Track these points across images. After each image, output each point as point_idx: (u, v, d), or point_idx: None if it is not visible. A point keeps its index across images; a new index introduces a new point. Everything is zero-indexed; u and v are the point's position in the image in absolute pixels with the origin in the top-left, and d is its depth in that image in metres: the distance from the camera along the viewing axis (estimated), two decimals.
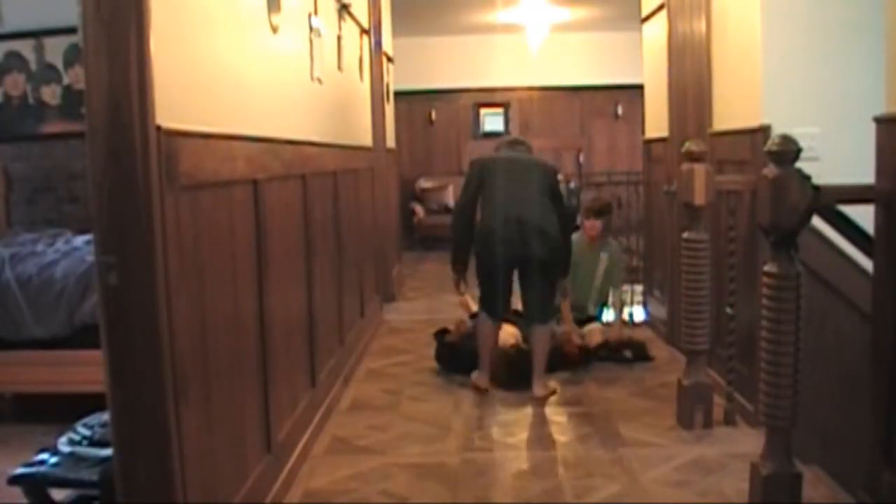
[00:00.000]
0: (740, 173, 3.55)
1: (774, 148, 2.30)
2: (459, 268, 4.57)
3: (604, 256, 4.94)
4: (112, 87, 1.84)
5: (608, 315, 5.11)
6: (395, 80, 7.88)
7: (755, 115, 3.47)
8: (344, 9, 4.73)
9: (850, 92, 3.35)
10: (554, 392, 4.12)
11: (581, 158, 10.66)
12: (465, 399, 4.10)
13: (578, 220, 5.46)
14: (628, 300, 5.83)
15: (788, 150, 2.30)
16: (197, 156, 2.15)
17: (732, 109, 3.86)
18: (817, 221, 2.69)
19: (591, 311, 5.04)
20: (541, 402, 4.02)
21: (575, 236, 4.90)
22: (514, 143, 4.65)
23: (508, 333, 4.51)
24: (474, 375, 4.24)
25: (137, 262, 1.89)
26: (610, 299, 5.05)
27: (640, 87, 6.03)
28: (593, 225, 4.89)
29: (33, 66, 5.21)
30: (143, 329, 1.90)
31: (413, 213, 10.42)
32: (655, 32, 5.37)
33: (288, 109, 3.29)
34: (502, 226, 4.03)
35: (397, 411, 3.91)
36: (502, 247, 4.05)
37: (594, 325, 4.94)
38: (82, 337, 3.85)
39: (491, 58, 10.84)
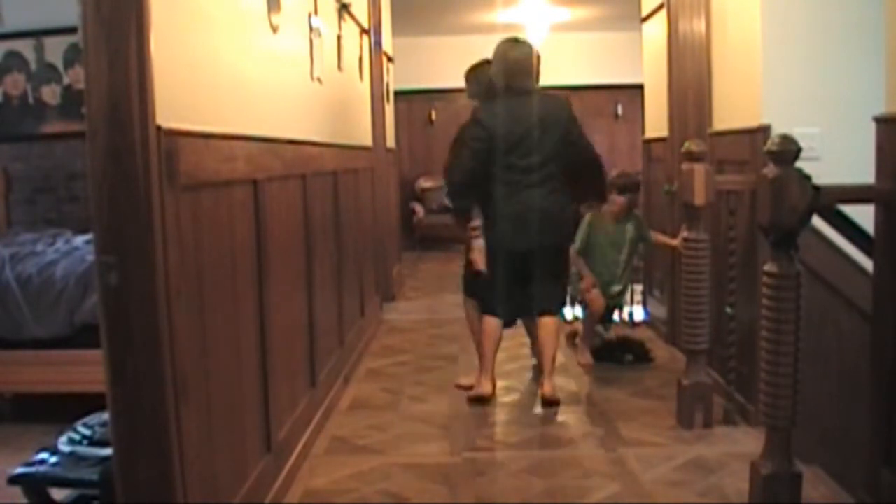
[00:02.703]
0: (740, 173, 3.55)
1: (774, 148, 2.30)
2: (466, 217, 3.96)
3: (629, 227, 4.73)
4: (112, 87, 1.84)
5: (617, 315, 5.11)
6: (395, 80, 7.89)
7: (755, 115, 3.47)
8: (344, 9, 4.73)
9: (850, 92, 3.35)
10: (558, 402, 3.90)
11: None
12: (465, 399, 4.10)
13: None
14: (628, 300, 5.83)
15: (788, 150, 2.29)
16: (197, 155, 2.15)
17: (732, 109, 3.86)
18: (817, 221, 2.69)
19: (617, 290, 4.78)
20: (549, 403, 3.85)
21: (592, 214, 4.74)
22: (515, 77, 3.77)
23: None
24: (468, 380, 4.04)
25: (137, 262, 1.89)
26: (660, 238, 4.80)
27: (640, 87, 6.03)
28: (615, 201, 4.66)
29: (33, 66, 5.22)
30: (143, 329, 1.90)
31: (413, 212, 10.42)
32: (655, 32, 5.37)
33: (288, 109, 3.30)
34: (504, 218, 3.76)
35: (397, 411, 3.91)
36: (507, 237, 3.78)
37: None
38: (82, 337, 3.85)
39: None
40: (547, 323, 3.93)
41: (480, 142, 3.75)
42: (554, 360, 3.97)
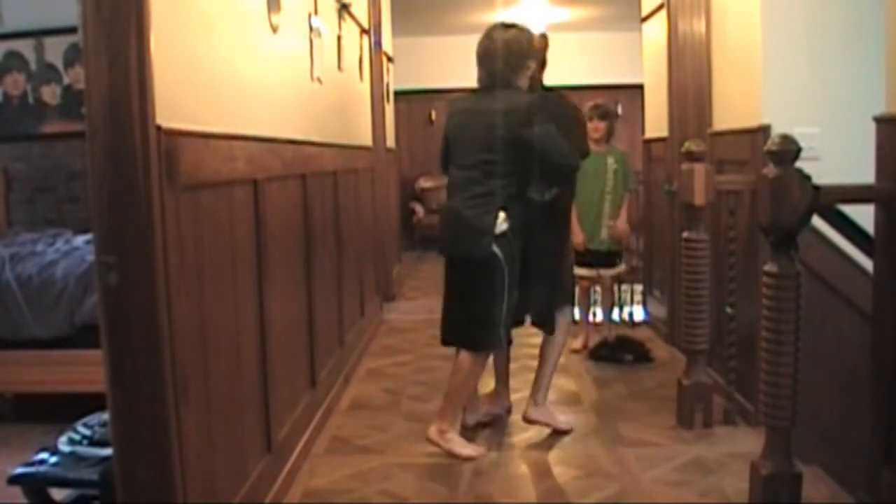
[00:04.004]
0: (740, 173, 3.55)
1: (774, 148, 2.30)
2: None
3: (610, 160, 4.76)
4: (112, 87, 1.84)
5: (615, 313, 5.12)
6: (395, 80, 7.88)
7: (755, 115, 3.47)
8: (344, 9, 4.73)
9: (850, 92, 3.35)
10: (553, 426, 3.52)
11: None
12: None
13: None
14: (628, 300, 5.83)
15: (788, 150, 2.30)
16: (197, 155, 2.15)
17: (732, 109, 3.86)
18: (817, 221, 2.69)
19: (605, 237, 4.76)
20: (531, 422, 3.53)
21: None
22: (478, 69, 3.35)
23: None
24: (458, 443, 3.30)
25: (137, 262, 1.89)
26: (623, 212, 4.80)
27: (640, 87, 6.03)
28: (597, 127, 4.69)
29: (33, 66, 5.22)
30: (143, 329, 1.90)
31: (413, 212, 10.42)
32: (655, 32, 5.37)
33: (288, 109, 3.29)
34: (443, 215, 3.43)
35: (397, 411, 3.91)
36: (442, 242, 3.38)
37: (608, 272, 4.85)
38: (82, 337, 3.85)
39: None
40: (458, 360, 3.33)
41: (443, 140, 3.46)
42: (451, 399, 3.31)
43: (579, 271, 4.84)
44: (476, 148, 3.21)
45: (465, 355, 3.29)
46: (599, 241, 4.77)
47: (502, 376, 3.78)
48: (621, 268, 5.01)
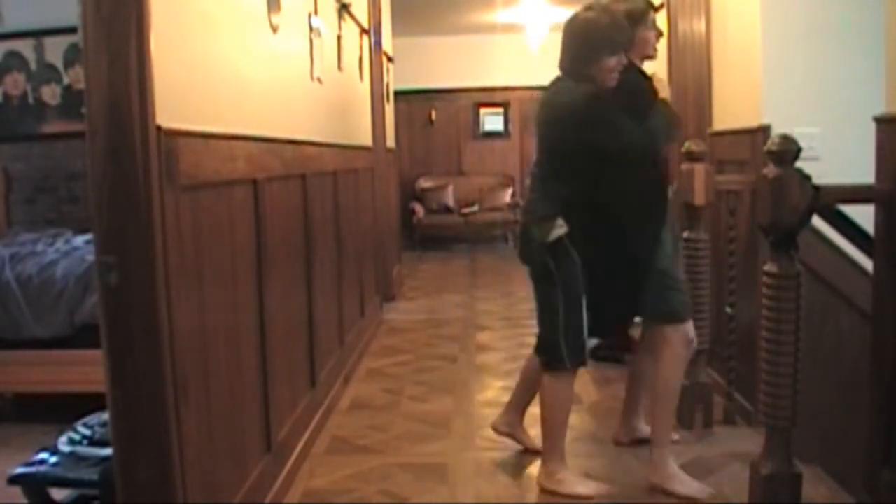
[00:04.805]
0: (740, 173, 3.55)
1: (774, 148, 2.30)
2: None
3: None
4: (112, 87, 1.84)
5: None
6: (395, 80, 7.88)
7: (755, 115, 3.47)
8: (344, 9, 4.73)
9: (850, 92, 3.35)
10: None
11: None
12: (465, 399, 4.10)
13: None
14: None
15: (788, 150, 2.29)
16: (197, 155, 2.15)
17: (732, 109, 3.86)
18: (817, 221, 2.69)
19: None
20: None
21: None
22: (559, 61, 2.91)
23: None
24: (571, 482, 2.93)
25: (137, 262, 1.89)
26: None
27: None
28: None
29: (33, 66, 5.21)
30: (143, 329, 1.90)
31: (413, 212, 10.43)
32: None
33: (288, 109, 3.29)
34: None
35: (397, 411, 3.91)
36: None
37: None
38: (82, 337, 3.85)
39: (491, 58, 10.84)
40: (541, 377, 3.00)
41: None
42: (549, 432, 2.96)
43: None
44: (537, 146, 3.00)
45: (543, 378, 2.98)
46: None
47: (628, 399, 3.35)
48: None
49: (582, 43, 2.81)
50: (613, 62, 2.77)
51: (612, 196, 2.77)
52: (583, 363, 2.92)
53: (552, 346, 2.89)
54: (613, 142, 2.72)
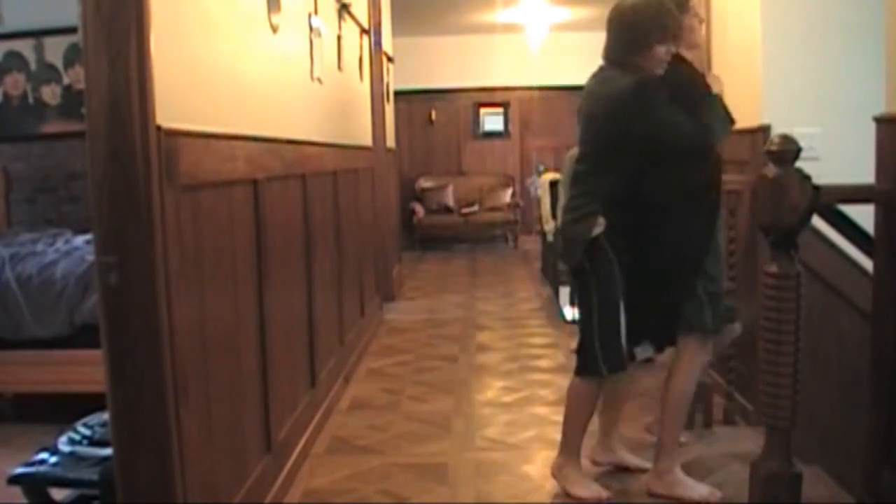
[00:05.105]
0: (740, 173, 3.55)
1: (774, 148, 2.29)
2: None
3: None
4: (112, 87, 1.84)
5: None
6: (395, 80, 7.88)
7: (755, 115, 3.47)
8: (344, 9, 4.73)
9: (850, 92, 3.35)
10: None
11: None
12: (465, 399, 4.10)
13: None
14: None
15: (788, 150, 2.29)
16: (197, 156, 2.15)
17: (732, 109, 3.84)
18: (817, 221, 2.69)
19: None
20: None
21: (574, 150, 4.35)
22: (604, 49, 2.79)
23: None
24: (573, 480, 2.88)
25: (137, 262, 1.89)
26: None
27: None
28: None
29: (33, 66, 5.21)
30: (143, 329, 1.91)
31: (413, 212, 10.43)
32: None
33: (288, 109, 3.29)
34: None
35: (397, 411, 3.91)
36: None
37: None
38: (82, 337, 3.85)
39: (491, 58, 10.85)
40: (571, 383, 2.91)
41: None
42: (568, 439, 2.88)
43: None
44: (581, 140, 2.81)
45: (573, 378, 2.87)
46: None
47: (604, 418, 3.06)
48: None
49: (632, 30, 2.68)
50: (663, 50, 2.65)
51: (662, 193, 2.64)
52: (621, 369, 2.76)
53: (587, 350, 2.76)
54: (666, 134, 2.60)
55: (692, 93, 2.70)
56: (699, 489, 2.80)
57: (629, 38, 2.68)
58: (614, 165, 2.67)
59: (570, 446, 2.87)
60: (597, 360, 2.73)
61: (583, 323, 2.79)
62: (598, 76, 2.79)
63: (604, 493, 2.83)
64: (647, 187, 2.64)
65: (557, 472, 2.90)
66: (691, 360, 2.80)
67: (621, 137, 2.62)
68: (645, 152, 2.61)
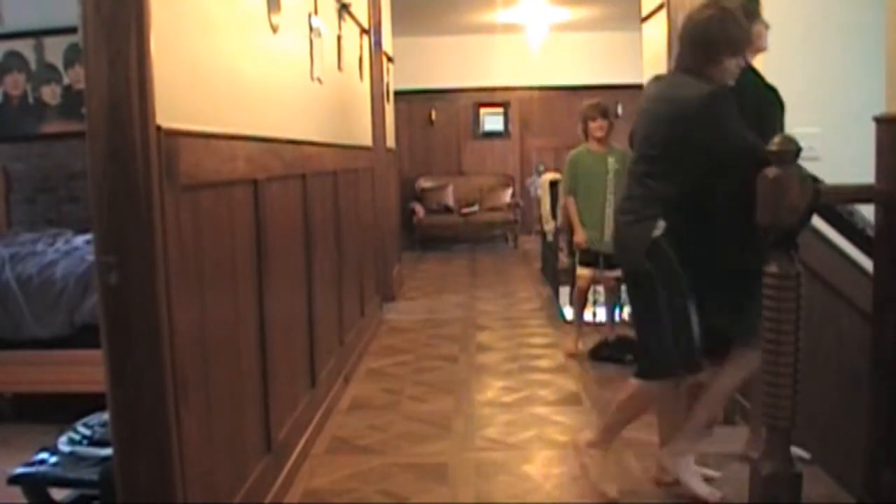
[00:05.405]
0: None
1: (774, 148, 2.30)
2: None
3: (611, 160, 4.70)
4: (112, 87, 1.84)
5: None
6: (395, 80, 7.88)
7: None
8: (344, 9, 4.73)
9: (850, 92, 3.35)
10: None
11: None
12: (465, 399, 4.10)
13: (581, 128, 4.81)
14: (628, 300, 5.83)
15: (788, 150, 2.29)
16: (197, 156, 2.15)
17: None
18: (817, 221, 2.69)
19: (608, 239, 4.34)
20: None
21: (574, 151, 4.81)
22: (676, 55, 2.85)
23: None
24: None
25: (137, 262, 1.89)
26: None
27: (640, 87, 6.01)
28: (601, 125, 4.67)
29: (33, 65, 5.21)
30: (143, 329, 1.91)
31: (413, 212, 10.43)
32: (655, 32, 5.36)
33: (288, 109, 3.29)
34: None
35: (397, 411, 3.91)
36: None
37: (613, 273, 4.70)
38: (82, 337, 3.84)
39: (491, 58, 10.85)
40: (624, 387, 2.92)
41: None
42: (610, 421, 2.93)
43: (581, 271, 4.87)
44: (642, 141, 2.82)
45: (637, 382, 2.83)
46: (602, 243, 4.70)
47: (664, 424, 3.01)
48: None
49: (702, 44, 2.71)
50: (734, 64, 2.72)
51: (725, 201, 2.65)
52: (699, 369, 2.74)
53: (656, 352, 2.74)
54: (729, 147, 2.60)
55: (758, 105, 2.78)
56: (702, 486, 2.83)
57: (699, 52, 2.71)
58: (677, 170, 2.68)
59: (611, 435, 2.94)
60: (670, 361, 2.73)
61: (648, 326, 2.77)
62: (667, 80, 2.86)
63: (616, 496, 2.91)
64: (711, 195, 2.67)
65: (587, 446, 2.92)
66: (745, 363, 2.80)
67: (687, 143, 2.63)
68: (713, 161, 2.62)
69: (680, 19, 4.60)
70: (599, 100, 4.90)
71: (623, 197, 2.89)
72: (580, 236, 4.74)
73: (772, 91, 2.88)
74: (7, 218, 5.33)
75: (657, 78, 2.96)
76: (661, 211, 2.67)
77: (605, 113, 4.75)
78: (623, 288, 5.31)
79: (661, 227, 2.66)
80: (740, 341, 2.78)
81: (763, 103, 2.81)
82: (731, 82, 2.72)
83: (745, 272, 2.62)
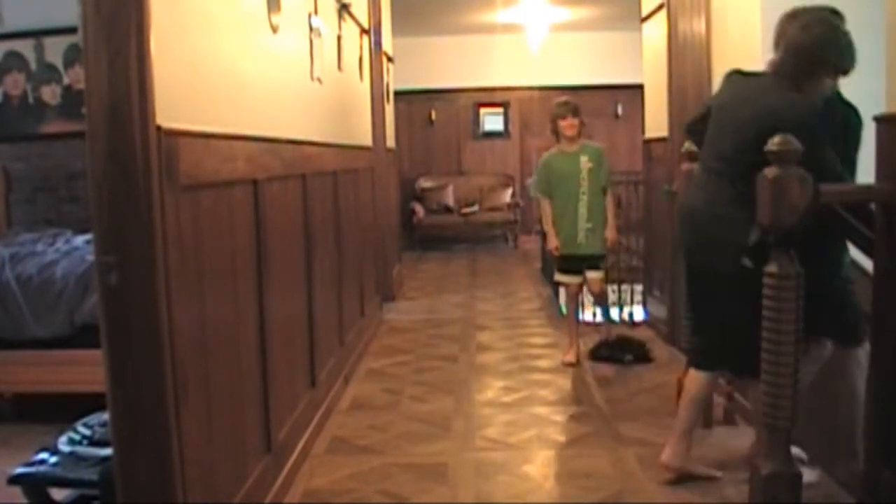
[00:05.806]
0: None
1: (774, 148, 2.30)
2: None
3: (584, 159, 4.63)
4: (112, 87, 1.84)
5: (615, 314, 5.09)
6: (395, 80, 7.88)
7: None
8: (344, 9, 4.73)
9: (851, 92, 3.34)
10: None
11: None
12: (465, 399, 4.10)
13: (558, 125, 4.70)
14: (628, 300, 5.84)
15: (788, 150, 2.29)
16: (197, 156, 2.15)
17: None
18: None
19: (583, 240, 4.61)
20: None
21: (546, 154, 4.74)
22: (775, 59, 2.76)
23: None
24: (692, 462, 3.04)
25: (137, 262, 1.89)
26: (610, 218, 4.67)
27: (639, 87, 6.02)
28: (571, 124, 4.60)
29: (33, 65, 5.21)
30: (143, 329, 1.91)
31: (413, 212, 10.43)
32: (655, 32, 5.37)
33: (288, 109, 3.29)
34: (680, 216, 3.05)
35: (397, 411, 3.91)
36: (683, 247, 3.06)
37: (595, 274, 4.69)
38: (82, 337, 3.84)
39: (491, 58, 10.85)
40: (687, 378, 3.02)
41: (704, 107, 3.07)
42: (677, 428, 3.02)
43: (563, 278, 4.80)
44: (737, 140, 2.72)
45: (694, 374, 2.94)
46: (577, 245, 4.64)
47: (694, 413, 3.06)
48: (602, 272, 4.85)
49: (813, 58, 2.66)
50: (829, 84, 2.71)
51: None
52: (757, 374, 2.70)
53: (730, 346, 2.82)
54: (827, 170, 2.52)
55: (846, 126, 2.78)
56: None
57: (804, 65, 2.67)
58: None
59: (689, 431, 3.01)
60: (737, 358, 2.82)
61: (735, 328, 2.74)
62: (756, 82, 2.80)
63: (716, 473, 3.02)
64: None
65: (679, 460, 2.97)
66: (825, 356, 2.92)
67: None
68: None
69: (680, 20, 4.61)
70: (568, 98, 4.80)
71: (711, 195, 2.80)
72: (552, 243, 4.69)
73: (855, 113, 2.83)
74: (7, 218, 5.33)
75: (741, 74, 2.89)
76: (753, 215, 2.49)
77: (575, 111, 4.64)
78: (611, 288, 5.29)
79: (756, 232, 2.54)
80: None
81: (850, 125, 2.79)
82: (820, 99, 2.69)
83: (819, 282, 2.53)
